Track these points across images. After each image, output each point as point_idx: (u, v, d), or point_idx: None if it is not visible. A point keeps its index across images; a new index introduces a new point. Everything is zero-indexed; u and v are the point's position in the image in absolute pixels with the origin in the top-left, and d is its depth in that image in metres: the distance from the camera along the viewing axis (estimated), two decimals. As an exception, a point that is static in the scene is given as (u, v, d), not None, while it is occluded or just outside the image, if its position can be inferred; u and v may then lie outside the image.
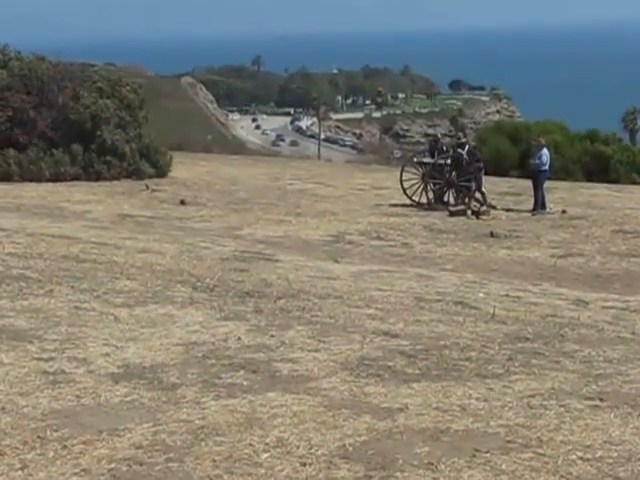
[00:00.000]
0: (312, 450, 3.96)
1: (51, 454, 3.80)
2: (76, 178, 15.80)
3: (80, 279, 7.20)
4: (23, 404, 4.38)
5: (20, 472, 3.62)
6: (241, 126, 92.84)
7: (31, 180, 15.36)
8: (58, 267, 7.66)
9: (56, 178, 15.57)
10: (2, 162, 15.40)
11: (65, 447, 3.87)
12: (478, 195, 14.92)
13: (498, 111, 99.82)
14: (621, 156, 22.89)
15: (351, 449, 3.99)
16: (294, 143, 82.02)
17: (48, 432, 4.03)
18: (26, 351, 5.24)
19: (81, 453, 3.82)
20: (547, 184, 15.43)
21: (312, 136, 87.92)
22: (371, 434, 4.17)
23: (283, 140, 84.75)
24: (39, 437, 3.97)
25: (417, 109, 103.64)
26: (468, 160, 14.86)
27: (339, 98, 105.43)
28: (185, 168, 18.20)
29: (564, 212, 14.29)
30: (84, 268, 7.71)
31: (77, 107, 15.90)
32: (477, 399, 4.71)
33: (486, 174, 15.69)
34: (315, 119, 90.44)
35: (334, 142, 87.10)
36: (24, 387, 4.62)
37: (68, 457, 3.77)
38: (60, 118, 15.92)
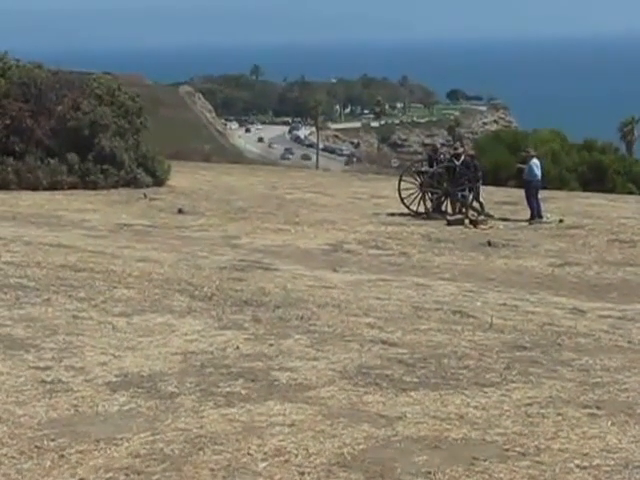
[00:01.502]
0: (310, 459, 3.97)
1: (48, 464, 3.79)
2: (74, 187, 15.76)
3: (77, 288, 7.19)
4: (20, 413, 4.37)
5: None
6: (238, 135, 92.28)
7: (28, 189, 15.34)
8: (55, 276, 7.64)
9: (53, 187, 15.52)
10: (0, 171, 15.41)
11: (62, 456, 3.86)
12: (476, 204, 14.95)
13: (495, 121, 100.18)
14: (618, 166, 22.97)
15: (349, 458, 4.00)
16: (306, 157, 76.91)
17: (45, 441, 4.02)
18: (23, 360, 5.23)
19: (78, 462, 3.81)
20: (544, 194, 15.44)
21: (310, 145, 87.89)
22: (369, 443, 4.18)
23: (292, 154, 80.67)
24: (36, 447, 3.96)
25: (415, 119, 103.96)
26: (462, 170, 14.89)
27: (337, 107, 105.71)
28: (183, 177, 18.17)
29: (561, 221, 14.31)
30: (82, 277, 7.69)
31: (76, 115, 15.88)
32: (475, 408, 4.72)
33: (484, 184, 15.73)
34: (313, 128, 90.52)
35: (332, 151, 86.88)
36: (21, 396, 4.61)
37: (65, 467, 3.76)
38: (58, 126, 15.91)
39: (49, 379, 4.91)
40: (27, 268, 7.94)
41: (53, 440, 4.03)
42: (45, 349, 5.47)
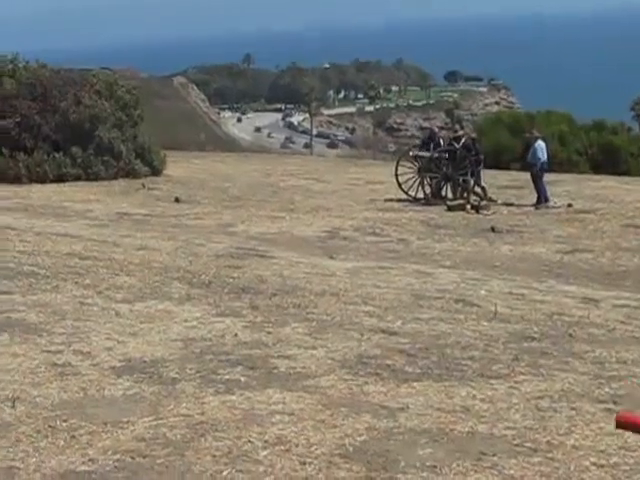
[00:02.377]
0: (311, 449, 3.99)
1: (61, 443, 4.08)
2: (78, 178, 16.82)
3: (83, 275, 7.69)
4: (35, 394, 4.71)
5: (34, 459, 3.92)
6: (232, 124, 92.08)
7: (37, 181, 16.41)
8: (63, 264, 8.19)
9: (60, 179, 16.68)
10: (13, 165, 16.57)
11: (73, 437, 4.15)
12: (478, 189, 14.88)
13: (497, 102, 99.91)
14: (631, 147, 22.60)
15: (351, 449, 4.00)
16: (308, 146, 75.87)
17: (58, 422, 4.32)
18: (36, 344, 5.62)
19: (88, 444, 4.08)
20: (552, 177, 15.34)
21: (304, 132, 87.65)
22: (371, 434, 4.17)
23: (293, 142, 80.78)
24: (50, 426, 4.27)
25: (411, 102, 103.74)
26: (462, 154, 14.81)
27: (330, 93, 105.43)
28: (179, 166, 18.68)
29: (570, 206, 14.16)
30: (86, 265, 8.20)
31: (78, 110, 17.11)
32: (482, 400, 4.69)
33: (486, 167, 15.64)
34: (307, 115, 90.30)
35: (326, 137, 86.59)
36: (35, 378, 4.97)
37: (76, 447, 4.05)
38: (63, 122, 17.12)
39: (60, 362, 5.25)
40: (38, 256, 8.53)
41: (65, 421, 4.33)
42: (55, 334, 5.85)
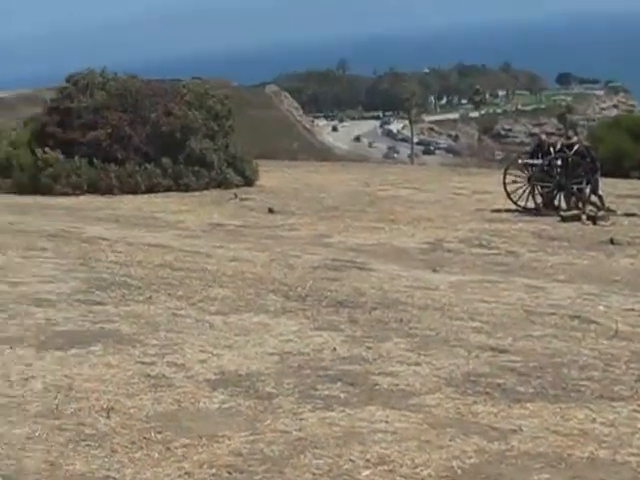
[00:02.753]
0: (417, 470, 3.94)
1: (156, 455, 4.13)
2: (168, 189, 17.25)
3: (176, 286, 7.82)
4: (129, 405, 4.80)
5: (130, 470, 4.00)
6: (327, 132, 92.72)
7: (129, 192, 16.92)
8: (155, 275, 8.37)
9: (150, 190, 17.11)
10: (104, 177, 17.13)
11: (168, 449, 4.19)
12: (594, 198, 14.33)
13: (615, 105, 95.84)
14: None
15: (460, 472, 3.94)
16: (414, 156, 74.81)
17: (152, 434, 4.38)
18: (130, 355, 5.75)
19: (184, 457, 4.11)
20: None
21: (403, 140, 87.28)
22: (482, 457, 4.09)
23: (397, 152, 78.60)
24: (145, 438, 4.33)
25: (520, 107, 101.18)
26: (576, 160, 14.29)
27: (432, 98, 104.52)
28: (272, 176, 18.91)
29: None
30: (179, 276, 8.34)
31: (168, 121, 17.51)
32: (602, 424, 4.53)
33: (604, 175, 15.03)
34: (406, 122, 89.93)
35: (427, 145, 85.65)
36: (130, 389, 5.07)
37: (172, 459, 4.08)
38: (153, 133, 17.61)
39: (153, 374, 5.34)
40: (130, 267, 8.76)
41: (160, 433, 4.39)
42: (149, 345, 5.96)
